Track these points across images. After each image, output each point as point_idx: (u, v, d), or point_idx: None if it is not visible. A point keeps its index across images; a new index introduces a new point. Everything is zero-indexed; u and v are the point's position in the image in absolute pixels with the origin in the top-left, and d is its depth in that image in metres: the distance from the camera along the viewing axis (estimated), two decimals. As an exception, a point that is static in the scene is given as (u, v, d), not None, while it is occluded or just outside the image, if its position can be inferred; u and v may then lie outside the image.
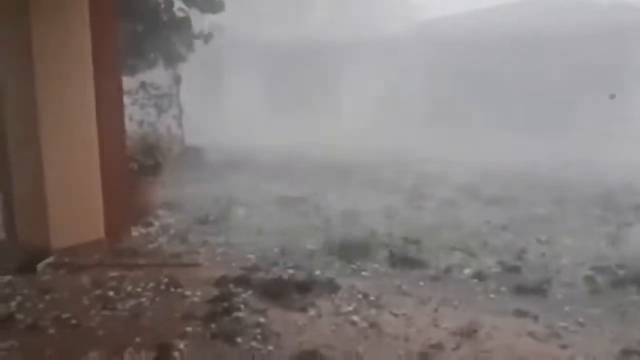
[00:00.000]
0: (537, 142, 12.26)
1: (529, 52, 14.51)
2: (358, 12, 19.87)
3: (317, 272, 4.59)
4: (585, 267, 4.97)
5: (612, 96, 9.73)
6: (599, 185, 8.70)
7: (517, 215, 6.83)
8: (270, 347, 3.30)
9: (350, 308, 3.88)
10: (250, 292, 4.09)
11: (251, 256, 5.07)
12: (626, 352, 3.32)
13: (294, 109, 15.99)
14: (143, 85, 10.92)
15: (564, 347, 3.39)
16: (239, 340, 3.36)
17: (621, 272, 4.80)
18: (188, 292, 4.09)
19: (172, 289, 4.15)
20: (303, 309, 3.84)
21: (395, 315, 3.80)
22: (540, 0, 15.77)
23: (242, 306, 3.82)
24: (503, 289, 4.47)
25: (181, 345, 3.27)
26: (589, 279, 4.69)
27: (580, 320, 3.83)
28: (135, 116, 9.87)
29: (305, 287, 4.17)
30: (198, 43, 10.26)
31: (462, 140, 12.74)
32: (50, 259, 4.65)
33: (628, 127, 12.31)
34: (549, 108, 14.02)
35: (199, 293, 4.08)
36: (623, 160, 10.45)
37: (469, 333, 3.49)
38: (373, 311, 3.84)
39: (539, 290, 4.41)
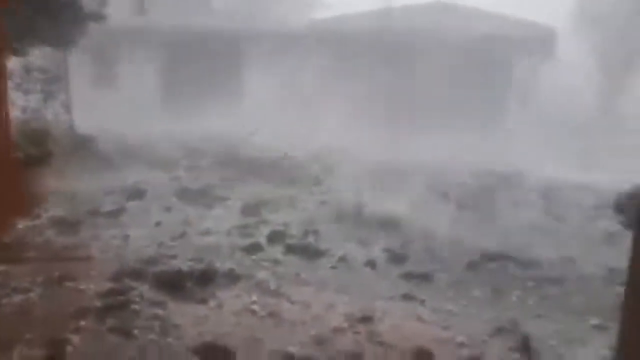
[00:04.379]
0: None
1: (409, 53, 15.36)
2: (257, 6, 19.89)
3: (217, 264, 4.61)
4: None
5: None
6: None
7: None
8: (170, 339, 3.30)
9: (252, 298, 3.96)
10: (147, 285, 4.03)
11: (149, 249, 4.98)
12: (500, 330, 3.70)
13: (189, 99, 15.68)
14: (27, 68, 10.17)
15: (446, 328, 3.72)
16: (136, 333, 3.33)
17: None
18: (82, 286, 3.96)
19: (65, 283, 4.00)
20: (203, 301, 3.86)
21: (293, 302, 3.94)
22: (433, 5, 16.65)
23: (138, 299, 3.77)
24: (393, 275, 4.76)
25: (75, 340, 3.19)
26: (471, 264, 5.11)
27: (463, 302, 4.20)
28: (19, 102, 9.18)
29: (205, 279, 4.19)
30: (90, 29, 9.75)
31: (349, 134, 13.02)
32: None
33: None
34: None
35: (92, 287, 3.96)
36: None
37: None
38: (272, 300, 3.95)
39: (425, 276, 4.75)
